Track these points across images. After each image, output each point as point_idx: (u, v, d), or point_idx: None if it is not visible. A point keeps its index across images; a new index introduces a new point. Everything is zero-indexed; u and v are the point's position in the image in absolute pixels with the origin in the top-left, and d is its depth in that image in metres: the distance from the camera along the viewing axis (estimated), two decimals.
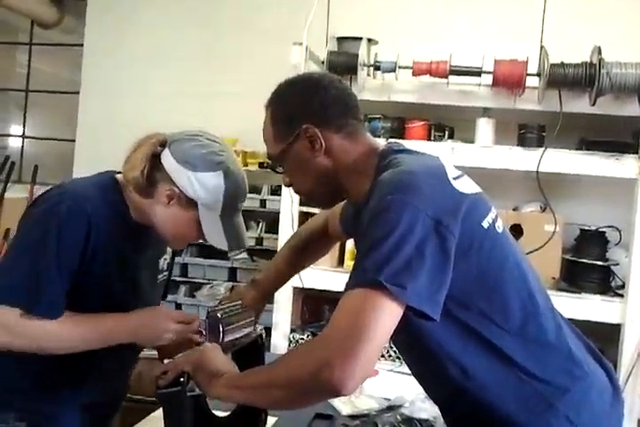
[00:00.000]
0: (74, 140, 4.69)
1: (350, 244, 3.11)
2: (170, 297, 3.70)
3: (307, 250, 1.69)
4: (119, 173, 1.48)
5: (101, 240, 1.38)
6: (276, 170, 1.33)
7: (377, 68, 3.17)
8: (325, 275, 3.07)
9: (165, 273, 1.66)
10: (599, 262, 3.08)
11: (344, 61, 3.11)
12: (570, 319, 1.29)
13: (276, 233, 3.27)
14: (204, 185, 1.38)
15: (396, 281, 1.00)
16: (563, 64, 2.92)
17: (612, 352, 2.86)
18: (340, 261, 3.28)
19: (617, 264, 3.11)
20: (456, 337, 1.15)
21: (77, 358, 1.38)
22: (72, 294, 1.36)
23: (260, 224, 3.88)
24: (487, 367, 1.15)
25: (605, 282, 3.11)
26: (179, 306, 3.82)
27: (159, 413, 1.30)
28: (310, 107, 1.25)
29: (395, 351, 3.02)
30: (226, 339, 1.43)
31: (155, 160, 1.40)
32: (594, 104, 2.89)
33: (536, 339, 1.17)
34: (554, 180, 3.06)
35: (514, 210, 3.40)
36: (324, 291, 3.11)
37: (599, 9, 3.60)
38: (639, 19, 3.58)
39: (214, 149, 1.41)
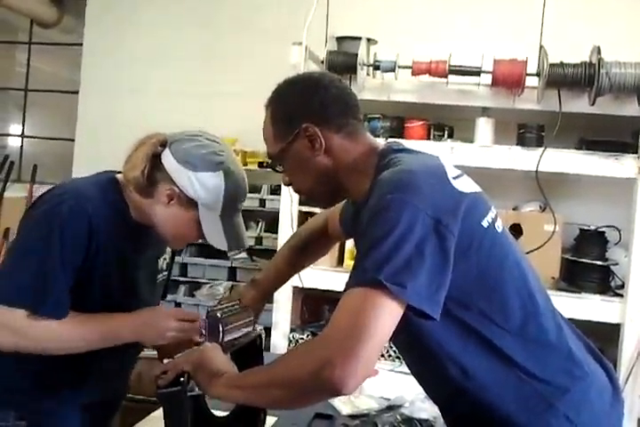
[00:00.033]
0: (73, 140, 4.69)
1: (350, 243, 3.11)
2: (169, 297, 3.70)
3: (306, 250, 1.69)
4: (119, 172, 1.48)
5: (102, 240, 1.38)
6: (275, 169, 1.33)
7: (376, 67, 3.17)
8: (325, 275, 3.07)
9: (165, 273, 1.66)
10: (599, 262, 3.09)
11: (343, 61, 3.11)
12: (569, 319, 1.29)
13: (276, 233, 3.27)
14: (204, 185, 1.38)
15: (396, 280, 1.00)
16: (562, 64, 2.92)
17: (612, 352, 2.86)
18: (340, 261, 3.28)
19: (616, 264, 3.11)
20: (456, 337, 1.15)
21: (77, 358, 1.38)
22: (72, 293, 1.36)
23: (260, 224, 3.88)
24: (487, 367, 1.15)
25: (605, 282, 3.11)
26: (178, 305, 3.81)
27: (159, 413, 1.30)
28: (310, 106, 1.25)
29: (394, 351, 3.03)
30: (225, 339, 1.43)
31: (155, 160, 1.40)
32: (593, 104, 2.90)
33: (536, 339, 1.17)
34: (553, 179, 3.06)
35: (513, 210, 3.40)
36: (324, 291, 3.11)
37: (599, 9, 3.60)
38: (639, 19, 3.58)
39: (214, 149, 1.41)
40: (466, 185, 1.17)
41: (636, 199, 2.88)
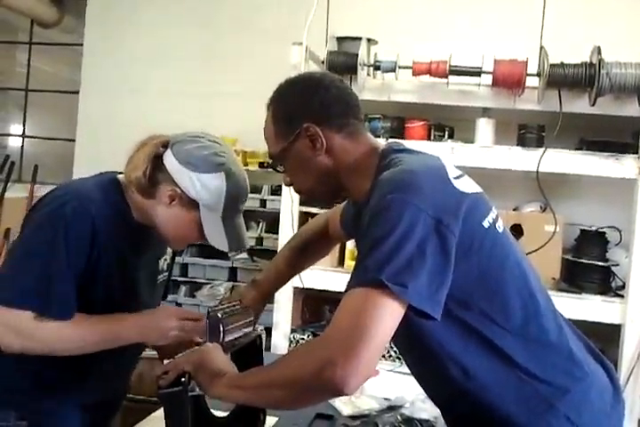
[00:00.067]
0: (74, 140, 4.69)
1: (350, 244, 3.11)
2: (170, 297, 3.70)
3: (307, 251, 1.69)
4: (120, 173, 1.48)
5: (104, 241, 1.38)
6: (276, 169, 1.33)
7: (377, 67, 3.17)
8: (326, 275, 3.07)
9: (165, 274, 1.66)
10: (599, 263, 3.09)
11: (344, 61, 3.11)
12: (570, 320, 1.29)
13: (277, 233, 3.27)
14: (205, 186, 1.38)
15: (397, 280, 1.00)
16: (562, 64, 2.92)
17: (613, 353, 2.86)
18: (341, 262, 3.28)
19: (617, 265, 3.11)
20: (457, 337, 1.15)
21: (77, 358, 1.38)
22: (76, 294, 1.36)
23: (261, 224, 3.88)
24: (488, 367, 1.15)
25: (605, 282, 3.11)
26: (179, 306, 3.81)
27: (160, 413, 1.30)
28: (311, 106, 1.25)
29: (395, 352, 3.02)
30: (226, 339, 1.43)
31: (157, 161, 1.40)
32: (593, 104, 2.90)
33: (537, 339, 1.17)
34: (554, 180, 3.07)
35: (514, 210, 3.40)
36: (325, 291, 3.11)
37: (599, 9, 3.61)
38: (639, 19, 3.58)
39: (216, 150, 1.41)
40: (467, 185, 1.17)
41: (636, 200, 2.88)
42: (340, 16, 3.29)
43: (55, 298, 1.32)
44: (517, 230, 3.07)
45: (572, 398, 1.16)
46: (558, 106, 2.97)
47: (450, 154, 3.03)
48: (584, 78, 2.89)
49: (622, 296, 2.99)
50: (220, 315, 1.43)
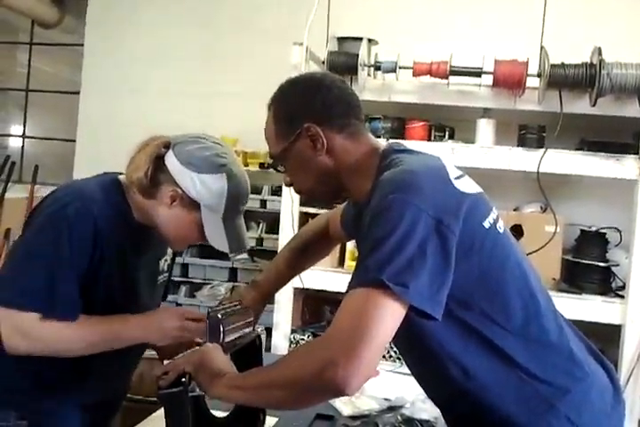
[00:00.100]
0: (74, 141, 4.69)
1: (351, 244, 3.11)
2: (170, 297, 3.71)
3: (307, 252, 1.69)
4: (121, 174, 1.48)
5: (106, 241, 1.38)
6: (277, 169, 1.33)
7: (377, 68, 3.17)
8: (326, 275, 3.07)
9: (166, 274, 1.66)
10: (599, 263, 3.09)
11: (344, 61, 3.11)
12: (570, 320, 1.29)
13: (277, 233, 3.27)
14: (206, 187, 1.38)
15: (398, 280, 1.00)
16: (563, 65, 2.92)
17: (613, 353, 2.86)
18: (341, 262, 3.28)
19: (617, 265, 3.11)
20: (457, 337, 1.15)
21: (78, 358, 1.38)
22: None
23: (261, 225, 3.88)
24: (488, 368, 1.15)
25: (606, 283, 3.11)
26: (179, 306, 3.82)
27: (160, 413, 1.30)
28: (312, 106, 1.25)
29: (395, 352, 3.02)
30: (226, 339, 1.43)
31: (158, 162, 1.41)
32: (594, 105, 2.90)
33: (537, 339, 1.17)
34: (554, 180, 3.07)
35: (514, 210, 3.40)
36: (325, 291, 3.11)
37: (599, 9, 3.61)
38: (639, 19, 3.58)
39: (217, 151, 1.42)
40: (467, 186, 1.17)
41: (636, 200, 2.88)
42: (340, 16, 3.29)
43: (60, 299, 1.32)
44: (518, 231, 3.07)
45: (572, 398, 1.16)
46: (559, 106, 2.97)
47: (450, 154, 3.04)
48: (585, 79, 2.89)
49: (622, 297, 2.99)
50: (220, 315, 1.43)
